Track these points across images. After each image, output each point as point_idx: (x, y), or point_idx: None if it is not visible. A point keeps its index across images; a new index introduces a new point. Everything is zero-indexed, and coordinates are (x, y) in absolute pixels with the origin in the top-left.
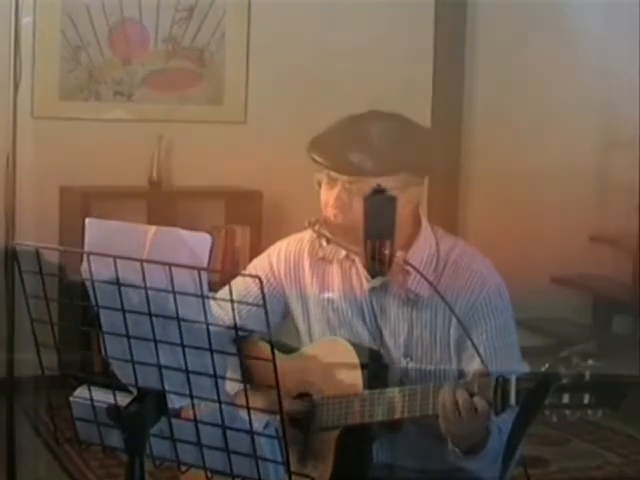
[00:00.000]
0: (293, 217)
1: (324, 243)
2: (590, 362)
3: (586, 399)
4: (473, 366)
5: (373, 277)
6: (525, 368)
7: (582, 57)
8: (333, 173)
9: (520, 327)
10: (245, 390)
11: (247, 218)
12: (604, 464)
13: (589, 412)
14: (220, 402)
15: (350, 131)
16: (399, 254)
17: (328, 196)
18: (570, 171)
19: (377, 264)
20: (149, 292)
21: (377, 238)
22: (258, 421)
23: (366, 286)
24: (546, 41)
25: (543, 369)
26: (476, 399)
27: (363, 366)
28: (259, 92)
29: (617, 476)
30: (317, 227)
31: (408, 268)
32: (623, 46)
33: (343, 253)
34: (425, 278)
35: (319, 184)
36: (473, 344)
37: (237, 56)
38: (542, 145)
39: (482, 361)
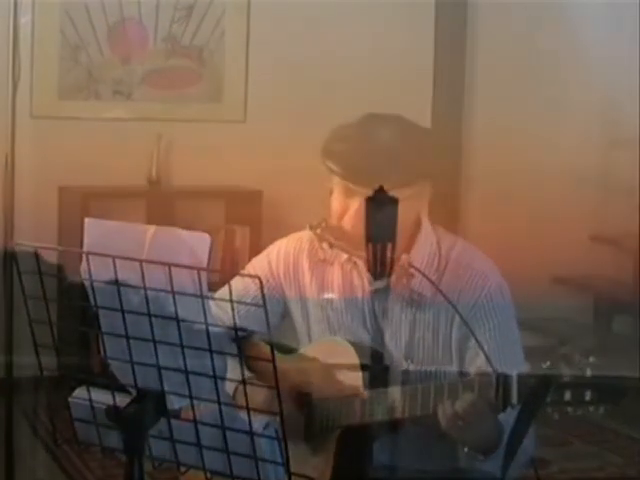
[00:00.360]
0: (293, 217)
1: (326, 246)
2: (591, 359)
3: (588, 396)
4: (475, 366)
5: (376, 279)
6: (527, 366)
7: (583, 56)
8: (351, 185)
9: (521, 327)
10: (245, 391)
11: (247, 218)
12: (605, 465)
13: (591, 409)
14: (220, 403)
15: (365, 139)
16: (403, 257)
17: (345, 206)
18: (571, 171)
19: (380, 266)
20: (148, 292)
21: (380, 240)
22: (258, 422)
23: (368, 288)
24: (547, 41)
25: (544, 366)
26: (476, 402)
27: (363, 366)
28: (259, 91)
29: (618, 477)
30: (319, 231)
31: (412, 270)
32: (624, 46)
33: (345, 256)
34: (430, 280)
35: (331, 192)
36: (477, 341)
37: (237, 55)
38: (543, 145)
39: (487, 358)
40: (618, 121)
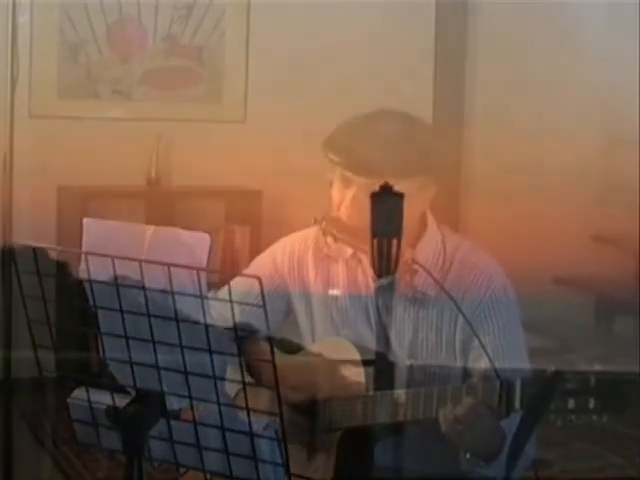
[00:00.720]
0: (293, 217)
1: (330, 241)
2: (596, 366)
3: (591, 404)
4: (479, 366)
5: (380, 276)
6: (531, 368)
7: (583, 56)
8: (349, 174)
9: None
10: (245, 391)
11: (247, 218)
12: (606, 466)
13: (594, 417)
14: (219, 403)
15: (367, 131)
16: (407, 253)
17: (342, 196)
18: (572, 171)
19: (384, 263)
20: (148, 292)
21: (384, 236)
22: (258, 423)
23: (372, 286)
24: (547, 40)
25: (548, 373)
26: (476, 406)
27: (366, 367)
28: (258, 91)
29: (619, 478)
30: (324, 224)
31: (416, 267)
32: (625, 45)
33: (349, 252)
34: (433, 277)
35: (331, 183)
36: (481, 343)
37: (236, 54)
38: (543, 145)
39: (490, 360)
40: (618, 121)
